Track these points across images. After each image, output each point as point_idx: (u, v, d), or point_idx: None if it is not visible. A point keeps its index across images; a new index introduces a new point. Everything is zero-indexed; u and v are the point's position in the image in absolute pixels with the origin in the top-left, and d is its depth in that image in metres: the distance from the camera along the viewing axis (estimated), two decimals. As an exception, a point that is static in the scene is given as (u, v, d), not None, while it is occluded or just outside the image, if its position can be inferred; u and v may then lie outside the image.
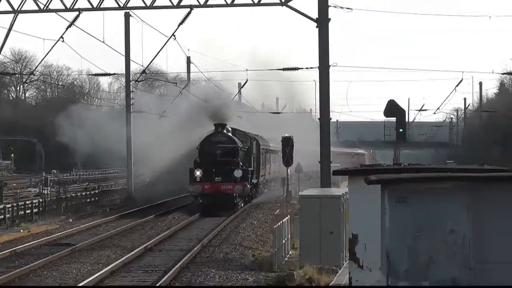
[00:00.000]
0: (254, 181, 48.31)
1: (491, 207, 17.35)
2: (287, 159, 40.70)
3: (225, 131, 44.24)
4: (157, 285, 16.21)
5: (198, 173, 41.48)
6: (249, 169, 44.92)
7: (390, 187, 17.80)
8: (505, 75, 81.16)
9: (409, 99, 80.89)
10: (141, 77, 48.03)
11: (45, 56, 43.88)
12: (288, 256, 26.85)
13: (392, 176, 19.53)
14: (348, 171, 25.43)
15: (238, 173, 41.67)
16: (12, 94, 69.22)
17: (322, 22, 33.13)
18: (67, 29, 38.03)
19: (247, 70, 59.01)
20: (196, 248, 31.02)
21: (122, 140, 55.29)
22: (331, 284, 21.56)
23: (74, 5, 36.79)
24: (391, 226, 17.22)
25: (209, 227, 36.74)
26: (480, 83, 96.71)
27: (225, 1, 36.25)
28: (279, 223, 28.83)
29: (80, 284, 21.35)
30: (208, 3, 36.74)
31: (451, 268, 16.68)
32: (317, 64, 34.07)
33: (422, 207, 17.38)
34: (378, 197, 17.62)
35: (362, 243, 18.87)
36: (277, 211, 37.75)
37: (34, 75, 52.04)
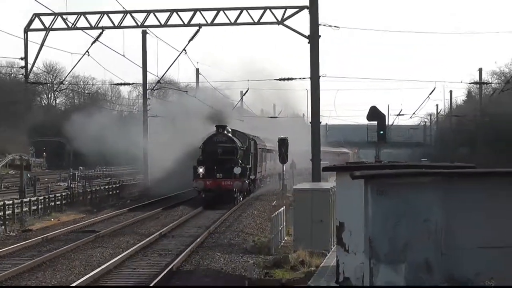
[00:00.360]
0: (252, 177, 47.54)
1: (461, 198, 17.47)
2: (283, 157, 40.62)
3: (225, 132, 43.26)
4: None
5: (201, 170, 40.86)
6: (247, 166, 44.38)
7: (372, 181, 17.97)
8: (472, 84, 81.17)
9: (388, 105, 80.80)
10: (156, 86, 48.10)
11: (73, 68, 43.78)
12: (283, 241, 26.85)
13: (374, 172, 19.69)
14: (335, 167, 25.59)
15: (237, 170, 41.21)
16: (44, 101, 69.51)
17: (313, 38, 33.13)
18: (92, 44, 38.13)
19: (248, 80, 59.13)
20: (203, 234, 30.94)
21: (133, 142, 55.38)
22: (321, 265, 21.61)
23: (98, 23, 36.97)
24: (373, 216, 17.34)
25: (214, 217, 36.36)
26: (451, 92, 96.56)
27: (229, 20, 36.32)
28: (276, 213, 28.96)
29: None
30: (215, 22, 36.78)
31: (425, 252, 16.75)
32: (309, 75, 34.05)
33: (400, 198, 17.50)
34: (362, 190, 17.76)
35: (348, 230, 19.04)
36: (274, 202, 37.88)
37: (63, 84, 52.09)
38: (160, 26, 38.31)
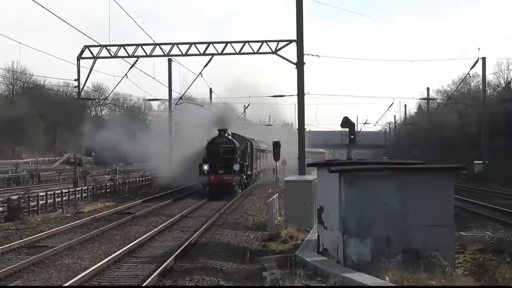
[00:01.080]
0: (249, 172, 46.55)
1: (412, 186, 17.53)
2: (276, 156, 40.60)
3: (226, 134, 42.24)
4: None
5: (205, 167, 39.71)
6: (245, 163, 43.12)
7: (345, 174, 18.02)
8: (421, 100, 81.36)
9: (357, 116, 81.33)
10: (179, 101, 47.93)
11: (115, 87, 44.21)
12: (277, 220, 26.79)
13: (346, 167, 19.73)
14: (317, 164, 25.70)
15: (236, 167, 40.08)
16: (93, 112, 69.33)
17: (299, 65, 33.00)
18: (129, 69, 38.04)
19: (249, 96, 59.31)
20: (215, 215, 30.85)
21: (153, 144, 55.35)
22: (305, 239, 21.57)
23: (134, 53, 36.88)
24: (345, 201, 17.38)
25: (222, 203, 35.77)
26: (405, 105, 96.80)
27: (235, 51, 36.23)
28: (271, 199, 28.94)
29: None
30: (224, 52, 36.77)
31: (386, 229, 16.68)
32: (296, 93, 34.05)
33: (366, 188, 17.53)
34: (337, 181, 17.80)
35: (326, 212, 19.07)
36: (269, 191, 37.86)
37: (107, 100, 52.04)
38: (182, 55, 38.09)
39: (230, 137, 42.22)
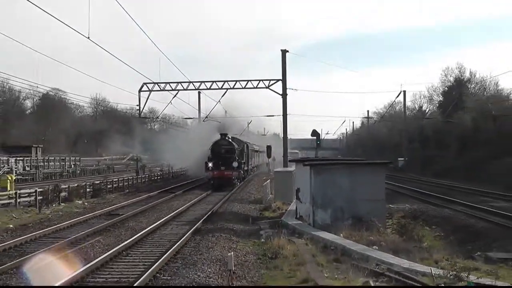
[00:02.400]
0: (246, 168, 42.56)
1: (357, 175, 17.57)
2: (269, 155, 40.71)
3: (226, 138, 37.71)
4: (135, 285, 13.04)
5: (210, 164, 35.14)
6: (242, 161, 38.89)
7: (313, 167, 18.10)
8: (363, 118, 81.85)
9: (321, 129, 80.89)
10: (205, 119, 47.41)
11: (163, 110, 43.88)
12: (269, 197, 26.66)
13: (314, 162, 19.85)
14: (296, 160, 25.81)
15: (235, 164, 35.65)
16: (148, 127, 68.76)
17: (283, 96, 32.92)
18: (172, 98, 38.02)
19: (251, 116, 59.28)
20: (228, 194, 30.44)
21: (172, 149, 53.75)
22: (288, 209, 21.51)
23: (176, 87, 36.97)
24: (314, 184, 17.44)
25: (229, 190, 33.34)
26: (353, 122, 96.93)
27: (241, 86, 36.28)
28: (265, 183, 28.94)
29: (166, 217, 20.92)
30: (234, 87, 36.82)
31: (340, 203, 16.76)
32: (281, 113, 34.07)
33: (327, 175, 17.60)
34: (308, 172, 17.89)
35: (301, 191, 19.15)
36: (264, 178, 37.83)
37: (158, 118, 51.95)
38: (207, 89, 38.13)
39: (229, 140, 37.93)
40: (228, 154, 35.64)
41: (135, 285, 9.20)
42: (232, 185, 34.85)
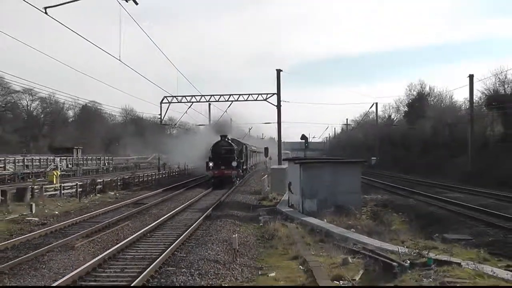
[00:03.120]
0: (244, 167, 39.13)
1: (338, 171, 17.56)
2: (266, 154, 40.56)
3: (226, 139, 33.72)
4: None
5: (211, 164, 31.54)
6: (241, 161, 35.32)
7: (302, 165, 18.07)
8: (344, 125, 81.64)
9: (309, 133, 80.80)
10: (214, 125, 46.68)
11: (180, 118, 43.58)
12: (267, 189, 26.57)
13: (303, 161, 19.81)
14: (288, 159, 25.75)
15: (234, 163, 31.76)
16: (168, 132, 67.81)
17: (278, 107, 32.76)
18: (188, 108, 37.81)
19: (252, 123, 59.20)
20: (232, 187, 29.99)
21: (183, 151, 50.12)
22: (281, 199, 21.47)
23: (191, 99, 36.87)
24: (302, 179, 17.43)
25: (232, 185, 31.29)
26: (335, 128, 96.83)
27: (244, 98, 36.00)
28: (263, 178, 28.91)
29: (181, 206, 20.71)
30: (238, 99, 36.72)
31: (324, 194, 16.68)
32: (276, 121, 33.98)
33: (314, 172, 17.58)
34: (298, 168, 17.86)
35: (293, 184, 19.12)
36: (262, 174, 37.61)
37: (176, 125, 51.57)
38: (216, 101, 37.94)
39: (229, 141, 34.09)
40: (227, 154, 32.01)
41: (144, 273, 8.79)
42: (231, 183, 31.24)
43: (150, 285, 8.58)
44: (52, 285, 6.63)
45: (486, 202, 21.16)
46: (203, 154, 38.02)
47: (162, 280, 8.81)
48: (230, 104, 37.53)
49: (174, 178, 42.07)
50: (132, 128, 74.08)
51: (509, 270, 8.58)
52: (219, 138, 33.29)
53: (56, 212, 18.32)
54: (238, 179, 34.37)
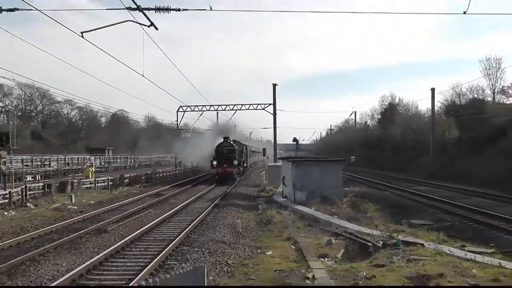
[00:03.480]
0: (245, 165, 37.04)
1: (323, 168, 17.56)
2: (264, 154, 40.58)
3: (228, 140, 31.85)
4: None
5: (214, 162, 29.66)
6: (242, 159, 33.32)
7: (294, 162, 18.04)
8: (328, 129, 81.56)
9: (300, 136, 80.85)
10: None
11: (193, 124, 43.28)
12: (264, 183, 26.35)
13: (295, 159, 19.78)
14: (282, 158, 25.65)
15: (235, 162, 29.89)
16: (183, 136, 66.85)
17: (274, 115, 32.36)
18: (199, 116, 37.43)
19: (253, 128, 58.85)
20: (235, 182, 29.06)
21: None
22: (276, 191, 21.24)
23: (201, 109, 36.60)
24: (294, 174, 17.38)
25: (233, 181, 29.12)
26: (321, 132, 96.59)
27: (246, 108, 35.90)
28: (262, 173, 28.91)
29: (193, 197, 20.25)
30: (241, 109, 36.55)
31: (312, 187, 16.58)
32: (272, 126, 33.81)
33: (304, 168, 17.52)
34: (290, 166, 17.82)
35: (286, 179, 19.05)
36: (261, 170, 37.46)
37: (190, 130, 51.15)
38: (222, 110, 37.66)
39: (231, 142, 32.16)
40: (229, 154, 30.04)
41: (164, 251, 8.63)
42: (233, 180, 29.17)
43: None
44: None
45: (446, 194, 21.16)
46: (210, 154, 36.61)
47: (178, 257, 8.80)
48: (234, 113, 37.44)
49: (188, 174, 41.69)
50: (153, 132, 73.99)
51: (463, 250, 8.60)
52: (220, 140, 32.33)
53: (91, 202, 18.29)
54: (239, 175, 32.37)
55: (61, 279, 6.94)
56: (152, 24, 7.72)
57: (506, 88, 37.36)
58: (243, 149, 35.71)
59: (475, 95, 38.83)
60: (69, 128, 62.53)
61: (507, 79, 38.71)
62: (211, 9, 8.18)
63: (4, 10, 6.78)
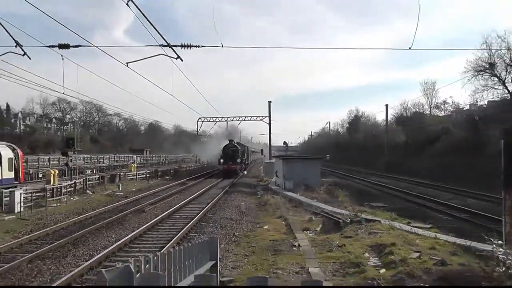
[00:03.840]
0: (247, 162, 34.24)
1: (306, 164, 17.45)
2: (262, 153, 40.19)
3: (233, 142, 29.87)
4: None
5: (221, 160, 27.74)
6: (244, 158, 30.66)
7: (284, 160, 17.89)
8: (309, 135, 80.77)
9: (288, 140, 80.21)
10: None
11: (209, 131, 42.75)
12: (262, 175, 25.92)
13: (285, 157, 19.63)
14: (275, 156, 25.31)
15: (238, 160, 27.80)
16: (201, 140, 64.98)
17: (269, 124, 32.01)
18: (214, 125, 36.92)
19: (252, 136, 58.14)
20: (240, 174, 27.40)
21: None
22: (271, 181, 20.78)
23: (215, 120, 36.16)
24: (285, 169, 17.23)
25: (237, 175, 26.44)
26: (304, 137, 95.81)
27: (248, 119, 35.80)
28: (260, 168, 28.69)
29: (202, 190, 17.12)
30: (244, 120, 36.17)
31: (298, 179, 16.30)
32: (268, 133, 33.48)
33: (291, 164, 17.32)
34: (281, 162, 17.71)
35: (278, 172, 18.81)
36: (259, 165, 37.01)
37: (207, 135, 49.80)
38: (231, 120, 37.46)
39: (235, 143, 30.12)
40: (234, 153, 27.95)
41: (187, 226, 8.29)
42: (236, 174, 26.78)
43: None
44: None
45: (396, 183, 21.07)
46: (220, 153, 35.62)
47: (197, 230, 8.79)
48: (240, 122, 37.33)
49: (204, 168, 40.89)
50: (178, 137, 73.77)
51: (409, 225, 8.58)
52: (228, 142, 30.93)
53: (134, 189, 18.21)
54: (242, 171, 29.21)
55: (111, 247, 6.94)
56: (178, 57, 7.82)
57: (439, 104, 38.14)
58: (245, 149, 34.07)
59: (417, 109, 39.58)
60: (117, 134, 63.40)
61: (440, 97, 39.48)
62: (222, 46, 8.29)
63: (72, 46, 7.08)
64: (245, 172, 21.00)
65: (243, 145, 34.34)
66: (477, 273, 4.46)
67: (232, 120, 36.73)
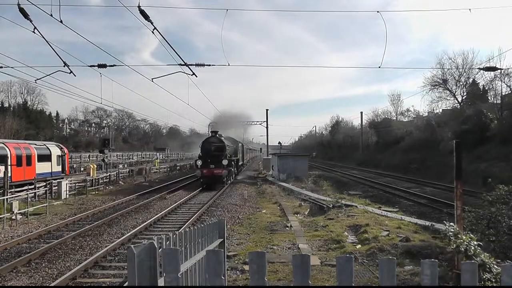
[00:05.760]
0: (241, 162, 22.41)
1: (296, 160, 17.25)
2: (261, 151, 39.63)
3: (217, 135, 15.04)
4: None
5: (199, 162, 13.81)
6: (235, 158, 17.59)
7: (279, 156, 17.71)
8: (299, 137, 79.94)
9: (282, 140, 78.22)
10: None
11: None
12: (261, 169, 25.71)
13: (279, 154, 19.44)
14: (271, 153, 24.91)
15: (225, 161, 13.84)
16: (213, 139, 63.74)
17: (267, 128, 31.69)
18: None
19: (253, 136, 56.86)
20: (244, 168, 26.31)
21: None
22: (268, 173, 20.51)
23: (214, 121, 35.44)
24: (279, 163, 17.05)
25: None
26: (295, 138, 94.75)
27: (251, 123, 35.06)
28: (259, 163, 28.47)
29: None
30: (248, 124, 35.57)
31: (290, 171, 16.08)
32: (265, 134, 33.17)
33: (284, 160, 17.10)
34: (276, 158, 17.50)
35: (274, 166, 18.68)
36: (258, 161, 36.78)
37: (218, 135, 46.82)
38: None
39: (221, 137, 15.37)
40: (217, 152, 14.38)
41: (200, 210, 7.79)
42: (222, 183, 14.18)
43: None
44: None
45: (368, 175, 20.99)
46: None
47: (208, 214, 8.74)
48: (245, 130, 35.90)
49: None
50: (192, 139, 73.41)
51: (380, 209, 8.56)
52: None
53: (157, 180, 18.14)
54: (230, 179, 15.85)
55: (139, 227, 6.93)
56: (193, 73, 7.92)
57: (403, 111, 39.12)
58: (238, 146, 20.80)
59: (386, 116, 40.40)
60: (144, 136, 64.11)
61: (404, 106, 40.96)
62: (229, 65, 8.48)
63: (108, 66, 7.47)
64: (238, 177, 14.96)
65: (236, 141, 20.60)
66: (434, 248, 4.56)
67: (237, 123, 35.27)
